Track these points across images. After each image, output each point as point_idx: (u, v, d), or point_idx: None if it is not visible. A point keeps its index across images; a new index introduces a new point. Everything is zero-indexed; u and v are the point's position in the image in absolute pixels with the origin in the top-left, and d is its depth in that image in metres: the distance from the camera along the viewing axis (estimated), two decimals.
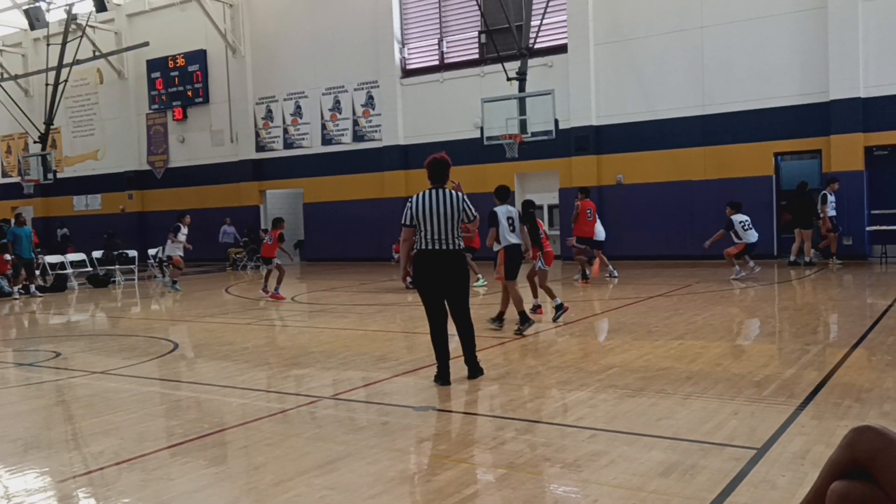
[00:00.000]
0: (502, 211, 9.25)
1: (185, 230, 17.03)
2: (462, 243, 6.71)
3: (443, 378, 6.62)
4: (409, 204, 6.68)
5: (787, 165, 19.42)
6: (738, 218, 14.61)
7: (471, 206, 6.71)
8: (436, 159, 6.73)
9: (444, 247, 6.55)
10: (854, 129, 16.91)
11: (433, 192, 6.62)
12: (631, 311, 10.76)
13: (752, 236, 14.49)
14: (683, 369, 6.85)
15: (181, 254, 16.82)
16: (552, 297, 10.21)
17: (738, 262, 14.55)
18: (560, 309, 9.94)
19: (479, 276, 14.97)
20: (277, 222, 15.22)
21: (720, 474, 4.17)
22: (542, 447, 4.83)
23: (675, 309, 10.83)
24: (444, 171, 6.71)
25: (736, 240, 14.59)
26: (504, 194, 9.45)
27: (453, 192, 6.71)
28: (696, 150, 18.77)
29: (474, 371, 6.80)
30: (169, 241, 17.21)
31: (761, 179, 18.09)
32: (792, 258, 16.64)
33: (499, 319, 9.52)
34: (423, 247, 6.59)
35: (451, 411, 5.91)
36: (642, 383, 6.38)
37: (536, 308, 10.67)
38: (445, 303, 6.71)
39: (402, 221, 6.71)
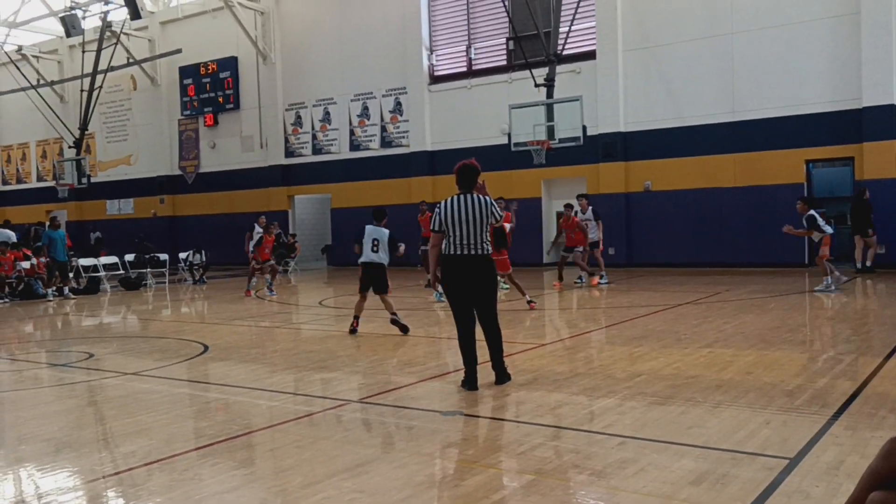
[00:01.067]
0: (369, 230, 10.08)
1: (260, 229, 17.35)
2: (490, 248, 6.72)
3: (470, 383, 6.62)
4: (437, 210, 6.70)
5: (818, 173, 19.18)
6: (816, 212, 13.49)
7: (497, 210, 6.75)
8: (465, 165, 6.74)
9: (472, 252, 6.56)
10: (887, 137, 16.66)
11: (462, 197, 6.63)
12: (659, 319, 10.68)
13: (830, 228, 13.57)
14: (713, 377, 6.78)
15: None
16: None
17: (830, 268, 13.29)
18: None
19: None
20: (270, 227, 15.99)
21: (752, 484, 4.12)
22: (571, 454, 4.81)
23: (704, 317, 10.72)
24: (473, 177, 6.72)
25: (817, 235, 13.27)
26: (380, 216, 10.24)
27: (481, 197, 6.71)
28: (725, 157, 18.60)
29: (501, 376, 6.80)
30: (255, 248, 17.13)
31: (792, 187, 17.86)
32: (858, 265, 16.24)
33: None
34: (452, 252, 6.60)
35: (478, 416, 5.90)
36: (671, 391, 6.32)
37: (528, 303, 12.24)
38: (474, 308, 6.73)
39: (431, 227, 6.75)
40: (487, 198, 6.78)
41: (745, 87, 18.30)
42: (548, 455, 4.80)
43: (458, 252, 6.57)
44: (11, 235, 20.94)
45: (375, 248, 10.10)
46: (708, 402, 5.90)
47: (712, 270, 17.86)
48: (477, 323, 6.74)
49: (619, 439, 5.05)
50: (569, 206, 15.49)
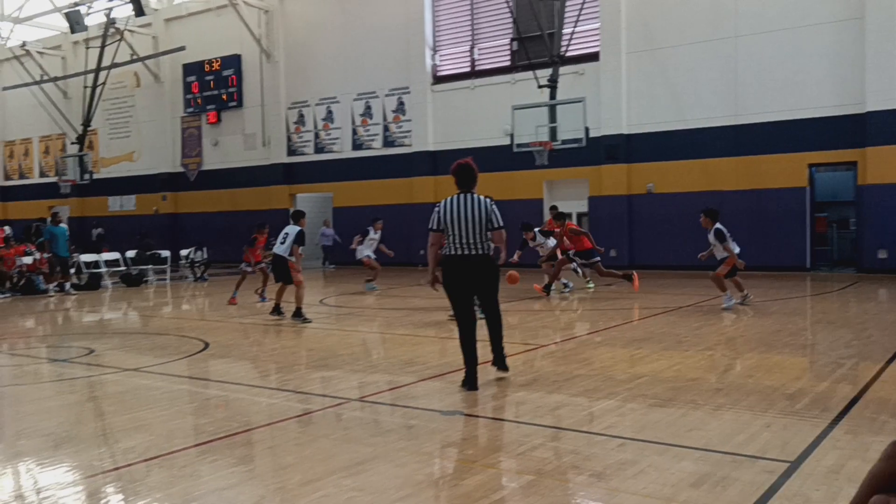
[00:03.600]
0: (286, 228, 11.80)
1: (374, 234, 16.43)
2: (490, 248, 6.66)
3: (470, 383, 6.60)
4: (436, 209, 6.68)
5: (821, 177, 19.17)
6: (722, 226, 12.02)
7: (498, 215, 6.59)
8: (461, 165, 6.70)
9: (471, 252, 6.52)
10: (891, 142, 16.64)
11: (461, 197, 6.59)
12: (660, 321, 10.66)
13: (737, 246, 11.98)
14: (714, 380, 6.77)
15: (369, 254, 16.27)
16: None
17: (732, 283, 12.03)
18: None
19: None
20: (261, 227, 15.01)
21: (752, 487, 4.11)
22: (570, 455, 4.80)
23: (705, 319, 10.71)
24: (471, 175, 6.66)
25: (721, 254, 11.81)
26: (297, 217, 11.93)
27: (481, 197, 6.62)
28: (727, 160, 18.59)
29: (500, 361, 6.85)
30: (356, 245, 16.72)
31: (795, 191, 17.86)
32: None
33: (276, 310, 11.99)
34: (451, 252, 6.58)
35: (478, 416, 5.89)
36: (672, 393, 6.31)
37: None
38: (475, 302, 6.79)
39: (430, 226, 6.73)
40: (488, 200, 6.67)
41: (748, 91, 18.29)
42: (547, 456, 4.79)
43: (458, 252, 6.53)
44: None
45: (283, 242, 11.66)
46: (709, 405, 5.89)
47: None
48: (475, 323, 6.73)
49: (619, 441, 5.04)
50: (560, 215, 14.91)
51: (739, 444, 4.86)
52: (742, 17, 18.28)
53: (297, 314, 11.53)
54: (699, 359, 7.85)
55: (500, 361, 6.88)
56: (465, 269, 6.54)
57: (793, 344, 8.77)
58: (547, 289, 14.36)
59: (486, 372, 6.90)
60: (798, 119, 17.64)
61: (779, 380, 6.75)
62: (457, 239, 6.51)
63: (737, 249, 11.73)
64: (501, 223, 6.59)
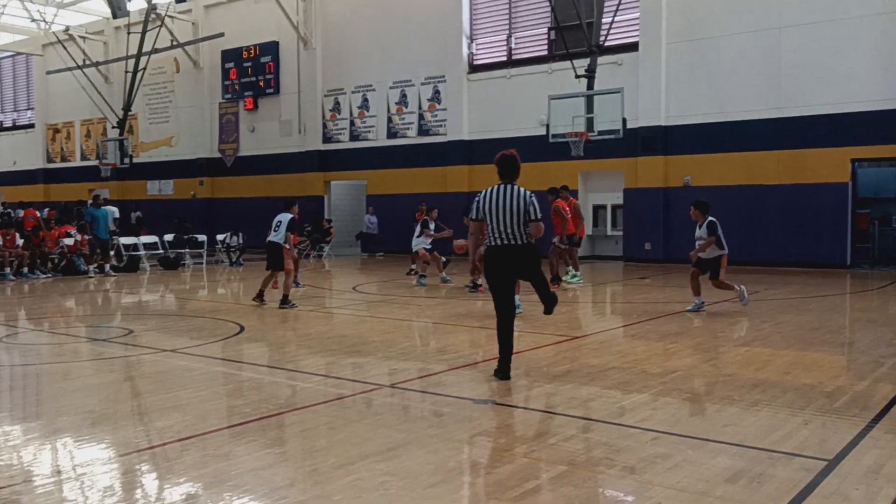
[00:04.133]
0: (278, 216, 12.24)
1: (432, 225, 15.66)
2: (531, 237, 6.56)
3: (503, 372, 6.60)
4: (477, 199, 6.70)
5: (864, 172, 18.76)
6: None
7: (537, 207, 6.53)
8: (505, 156, 6.70)
9: (511, 241, 6.50)
10: None
11: (501, 187, 6.59)
12: (695, 316, 10.53)
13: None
14: (750, 376, 6.68)
15: (426, 247, 15.30)
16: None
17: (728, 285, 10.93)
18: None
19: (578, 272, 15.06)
20: (289, 205, 14.86)
21: (789, 484, 4.05)
22: (603, 447, 4.77)
23: (741, 315, 10.56)
24: (514, 167, 6.66)
25: (718, 250, 10.77)
26: (288, 205, 12.43)
27: (521, 189, 6.59)
28: (769, 154, 18.25)
29: (549, 301, 6.82)
30: (418, 236, 15.59)
31: (836, 186, 17.49)
32: None
33: (260, 297, 12.05)
34: (492, 242, 6.59)
35: (510, 406, 5.88)
36: (707, 388, 6.24)
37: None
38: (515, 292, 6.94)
39: (469, 215, 6.79)
40: (528, 192, 6.60)
41: (791, 83, 17.92)
42: (580, 447, 4.77)
43: (499, 242, 6.54)
44: (115, 211, 21.70)
45: (276, 229, 11.99)
46: (745, 401, 5.81)
47: (751, 269, 17.55)
48: (514, 314, 6.83)
49: (652, 434, 5.00)
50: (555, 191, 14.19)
51: (776, 441, 4.79)
52: (786, 8, 17.89)
53: (284, 301, 11.65)
54: (735, 354, 7.74)
55: (549, 301, 6.82)
56: (506, 258, 6.54)
57: (831, 341, 8.61)
58: (556, 280, 13.93)
59: (518, 362, 6.88)
60: (842, 113, 17.24)
61: (817, 377, 6.63)
62: (497, 229, 6.52)
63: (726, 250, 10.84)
64: (539, 215, 6.54)
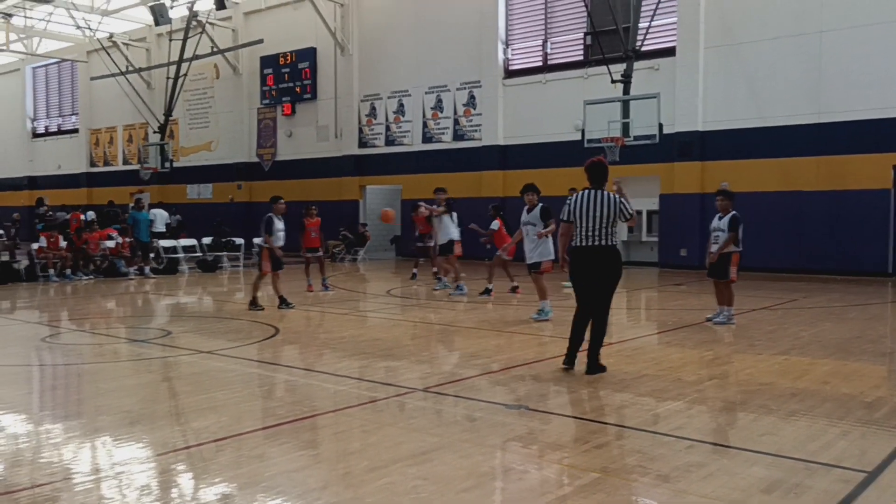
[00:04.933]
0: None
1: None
2: (617, 240, 7.04)
3: (569, 362, 7.05)
4: (568, 201, 7.15)
5: None
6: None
7: (627, 206, 7.03)
8: (594, 162, 7.14)
9: (598, 243, 6.92)
10: None
11: (591, 192, 7.02)
12: (727, 327, 10.38)
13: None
14: (788, 385, 6.57)
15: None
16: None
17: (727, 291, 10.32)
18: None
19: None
20: (308, 211, 14.80)
21: (827, 495, 3.98)
22: (637, 454, 4.73)
23: (779, 323, 10.39)
24: (602, 173, 7.08)
25: (734, 247, 10.15)
26: (272, 201, 12.39)
27: (610, 193, 7.02)
28: (808, 160, 17.95)
29: (593, 367, 6.97)
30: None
31: (878, 193, 17.13)
32: None
33: (255, 303, 11.88)
34: (579, 243, 7.02)
35: (543, 412, 5.86)
36: (743, 397, 6.15)
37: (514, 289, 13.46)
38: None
39: (561, 217, 7.23)
40: (618, 196, 7.03)
41: (831, 88, 17.60)
42: (614, 454, 4.74)
43: (585, 243, 6.96)
44: (166, 216, 22.30)
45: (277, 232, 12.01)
46: (782, 410, 5.72)
47: (789, 276, 17.29)
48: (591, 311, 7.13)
49: (687, 442, 4.95)
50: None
51: (814, 452, 4.71)
52: (827, 11, 17.59)
53: (253, 303, 11.84)
54: (772, 363, 7.62)
55: (592, 367, 6.98)
56: (591, 258, 6.96)
57: (872, 351, 8.43)
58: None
59: (551, 368, 6.85)
60: (884, 118, 16.89)
61: (857, 387, 6.51)
62: (585, 231, 6.94)
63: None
64: (633, 212, 7.14)
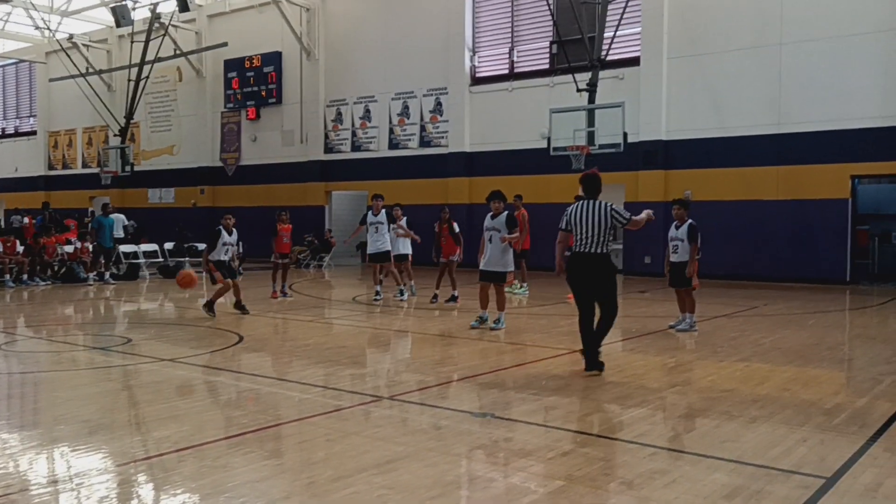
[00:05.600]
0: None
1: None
2: (609, 248, 7.44)
3: (591, 365, 7.39)
4: (566, 212, 7.62)
5: (864, 189, 18.78)
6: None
7: (620, 212, 7.47)
8: (588, 175, 7.68)
9: (592, 250, 7.37)
10: None
11: (587, 203, 7.48)
12: (689, 333, 10.51)
13: None
14: (749, 392, 6.67)
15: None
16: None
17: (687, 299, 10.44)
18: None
19: (525, 283, 15.31)
20: (280, 216, 14.95)
21: (788, 502, 4.04)
22: (601, 462, 4.76)
23: (741, 330, 10.56)
24: (596, 185, 7.58)
25: (682, 256, 10.31)
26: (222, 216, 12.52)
27: (604, 203, 7.46)
28: (768, 170, 18.29)
29: (592, 363, 7.41)
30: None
31: (836, 202, 17.52)
32: None
33: (210, 308, 11.85)
34: (576, 250, 7.48)
35: (509, 419, 5.87)
36: (706, 403, 6.23)
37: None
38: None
39: (559, 226, 7.68)
40: (610, 205, 7.46)
41: (791, 99, 17.98)
42: (578, 462, 4.76)
43: (580, 250, 7.43)
44: (123, 219, 22.10)
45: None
46: (743, 417, 5.80)
47: (750, 284, 17.58)
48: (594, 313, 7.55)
49: (650, 449, 4.99)
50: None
51: (774, 458, 4.79)
52: (788, 25, 17.97)
53: (208, 306, 11.88)
54: (734, 369, 7.74)
55: (591, 363, 7.43)
56: (584, 264, 7.42)
57: (831, 358, 8.61)
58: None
59: (517, 375, 6.86)
60: (842, 129, 17.29)
61: (816, 394, 6.63)
62: (582, 239, 7.40)
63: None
64: (629, 216, 7.56)
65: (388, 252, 14.04)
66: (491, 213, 10.63)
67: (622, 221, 7.48)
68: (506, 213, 10.57)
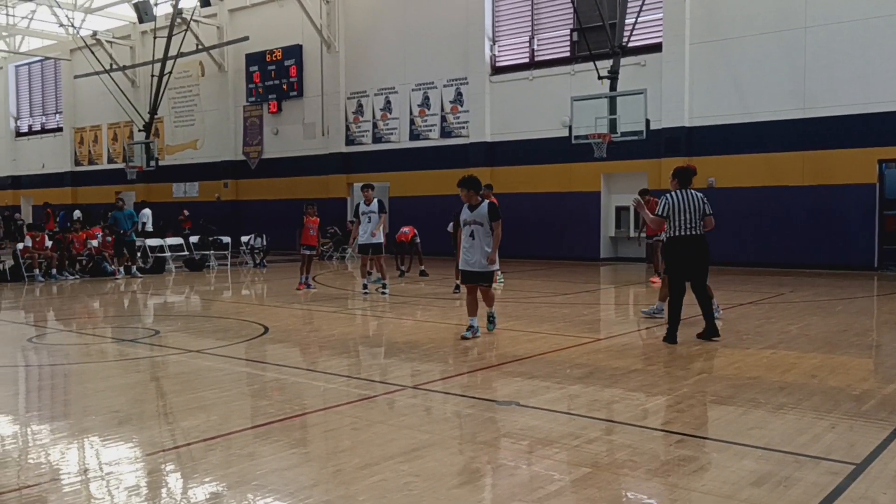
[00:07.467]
0: None
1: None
2: (703, 231, 8.45)
3: (670, 338, 8.33)
4: (664, 199, 8.44)
5: (892, 174, 18.49)
6: None
7: (708, 205, 8.48)
8: (684, 168, 8.70)
9: (693, 233, 8.38)
10: None
11: (683, 192, 8.46)
12: (720, 318, 10.43)
13: None
14: (776, 379, 6.61)
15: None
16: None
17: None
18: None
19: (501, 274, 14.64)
20: (308, 207, 14.93)
21: (816, 488, 4.00)
22: (628, 449, 4.75)
23: (766, 317, 10.46)
24: (691, 176, 8.63)
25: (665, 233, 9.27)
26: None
27: (698, 193, 8.47)
28: (793, 155, 18.06)
29: (710, 331, 8.54)
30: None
31: (863, 187, 17.26)
32: None
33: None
34: (676, 234, 8.41)
35: (533, 408, 5.86)
36: (732, 391, 6.18)
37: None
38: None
39: (657, 213, 8.56)
40: (701, 195, 8.50)
41: (816, 84, 17.72)
42: (604, 449, 4.75)
43: (685, 233, 8.38)
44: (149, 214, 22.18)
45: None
46: (770, 404, 5.75)
47: (776, 271, 17.40)
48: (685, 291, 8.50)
49: (677, 437, 4.97)
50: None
51: (803, 445, 4.75)
52: (812, 8, 17.69)
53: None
54: (760, 357, 7.67)
55: (709, 331, 8.55)
56: (693, 245, 8.38)
57: (859, 344, 8.50)
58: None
59: (541, 364, 6.85)
60: (869, 113, 17.01)
61: (844, 380, 6.55)
62: (682, 223, 8.35)
63: None
64: (711, 211, 8.51)
65: (381, 244, 13.93)
66: (466, 205, 9.10)
67: (707, 213, 8.45)
68: (486, 203, 9.10)
